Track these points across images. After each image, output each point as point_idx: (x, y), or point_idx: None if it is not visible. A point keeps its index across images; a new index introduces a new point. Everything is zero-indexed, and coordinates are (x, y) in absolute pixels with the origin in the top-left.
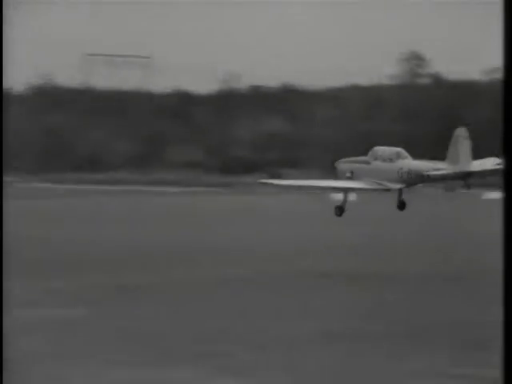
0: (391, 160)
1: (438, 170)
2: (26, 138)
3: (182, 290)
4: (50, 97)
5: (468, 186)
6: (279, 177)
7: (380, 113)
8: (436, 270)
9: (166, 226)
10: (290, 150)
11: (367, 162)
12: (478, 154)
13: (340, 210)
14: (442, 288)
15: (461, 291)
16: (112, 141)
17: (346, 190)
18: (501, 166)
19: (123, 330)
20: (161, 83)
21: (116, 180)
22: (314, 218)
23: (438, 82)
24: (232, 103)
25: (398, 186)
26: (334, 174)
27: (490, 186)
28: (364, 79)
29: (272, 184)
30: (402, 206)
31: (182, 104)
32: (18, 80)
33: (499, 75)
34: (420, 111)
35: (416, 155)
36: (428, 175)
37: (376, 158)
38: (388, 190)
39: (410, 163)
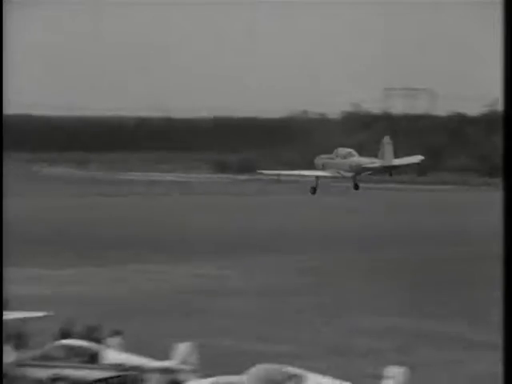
0: (345, 157)
1: (373, 163)
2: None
3: None
4: (358, 120)
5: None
6: None
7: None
8: None
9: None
10: None
11: (332, 158)
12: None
13: (314, 189)
14: None
15: None
16: (403, 151)
17: (317, 177)
18: (419, 160)
19: None
20: (440, 107)
21: (403, 181)
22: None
23: None
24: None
25: (349, 174)
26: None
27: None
28: None
29: None
30: (356, 186)
31: (457, 123)
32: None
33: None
34: None
35: (365, 155)
36: (366, 167)
37: (337, 156)
38: (344, 177)
39: (356, 159)
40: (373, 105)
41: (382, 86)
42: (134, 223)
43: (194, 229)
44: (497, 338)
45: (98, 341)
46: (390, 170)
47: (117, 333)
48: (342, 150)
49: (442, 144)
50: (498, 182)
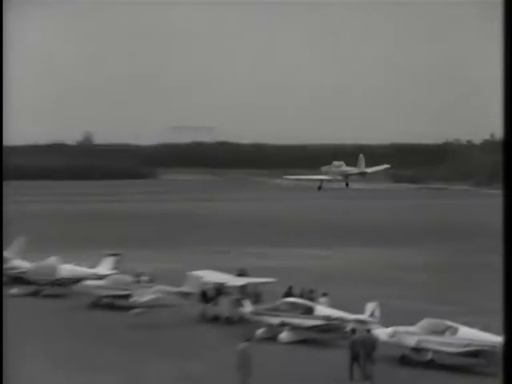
0: (338, 167)
1: (353, 171)
2: None
3: None
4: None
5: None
6: None
7: None
8: None
9: None
10: None
11: (331, 168)
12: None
13: (319, 187)
14: None
15: None
16: None
17: (322, 180)
18: (384, 168)
19: None
20: None
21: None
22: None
23: None
24: None
25: (340, 177)
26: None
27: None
28: None
29: None
30: (346, 185)
31: None
32: None
33: None
34: None
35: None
36: (349, 173)
37: (334, 166)
38: (338, 179)
39: (344, 168)
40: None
41: None
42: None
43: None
44: None
45: (311, 300)
46: (363, 174)
47: (324, 294)
48: (336, 163)
49: None
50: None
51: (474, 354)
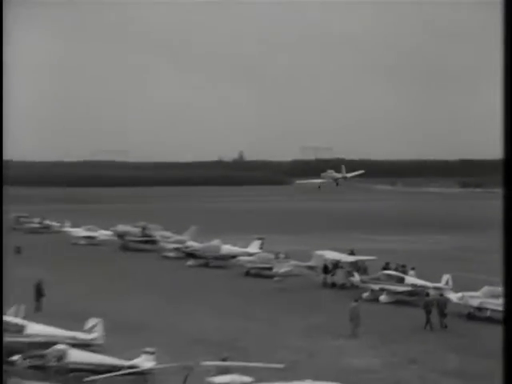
0: (330, 173)
1: (339, 175)
2: None
3: None
4: None
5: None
6: None
7: None
8: None
9: None
10: None
11: (326, 174)
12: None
13: (319, 187)
14: None
15: None
16: None
17: (320, 182)
18: (360, 173)
19: None
20: None
21: None
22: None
23: None
24: None
25: (331, 180)
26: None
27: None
28: None
29: None
30: (337, 184)
31: None
32: None
33: None
34: None
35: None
36: (337, 177)
37: (328, 173)
38: (331, 182)
39: (333, 174)
40: None
41: None
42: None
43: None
44: None
45: (403, 272)
46: (344, 178)
47: (412, 268)
48: (329, 171)
49: None
50: None
51: None
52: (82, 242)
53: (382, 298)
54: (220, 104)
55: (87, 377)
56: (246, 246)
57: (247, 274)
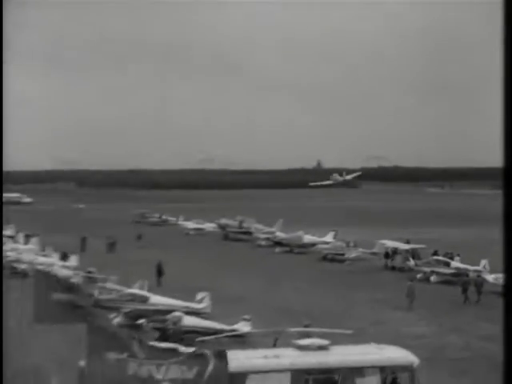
0: (335, 177)
1: (340, 179)
2: None
3: None
4: None
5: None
6: None
7: None
8: None
9: None
10: None
11: (333, 177)
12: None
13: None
14: None
15: None
16: None
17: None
18: (358, 174)
19: None
20: None
21: None
22: None
23: None
24: None
25: (335, 182)
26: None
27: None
28: None
29: None
30: (338, 185)
31: None
32: None
33: None
34: None
35: None
36: (339, 180)
37: (334, 176)
38: (334, 183)
39: (336, 177)
40: None
41: None
42: None
43: None
44: None
45: (450, 258)
46: (344, 180)
47: (458, 255)
48: (334, 174)
49: None
50: None
51: None
52: (192, 232)
53: (432, 278)
54: (301, 123)
55: (197, 338)
56: (323, 236)
57: (324, 258)
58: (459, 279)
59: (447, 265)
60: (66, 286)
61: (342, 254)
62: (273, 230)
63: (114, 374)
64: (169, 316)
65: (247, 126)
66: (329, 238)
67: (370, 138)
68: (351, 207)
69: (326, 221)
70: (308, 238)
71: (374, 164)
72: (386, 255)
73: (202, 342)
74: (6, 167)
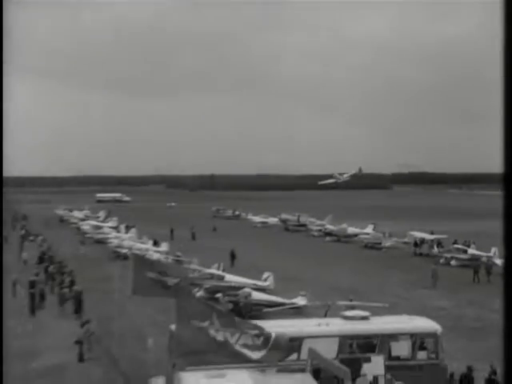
0: (337, 176)
1: (341, 177)
2: None
3: None
4: None
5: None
6: None
7: None
8: None
9: None
10: None
11: (335, 176)
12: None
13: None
14: None
15: None
16: None
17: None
18: (352, 174)
19: None
20: None
21: None
22: None
23: None
24: None
25: (339, 180)
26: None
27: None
28: None
29: None
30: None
31: None
32: None
33: None
34: None
35: None
36: (340, 179)
37: (336, 175)
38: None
39: (339, 175)
40: None
41: None
42: None
43: None
44: None
45: (467, 246)
46: (344, 179)
47: (474, 243)
48: (335, 174)
49: None
50: None
51: None
52: (259, 225)
53: (452, 262)
54: (344, 134)
55: (264, 309)
56: (364, 228)
57: (365, 246)
58: (473, 263)
59: (465, 252)
60: (159, 266)
61: (380, 243)
62: (323, 223)
63: (197, 337)
64: (240, 291)
65: (296, 138)
66: (369, 229)
67: (402, 148)
68: (387, 205)
69: (367, 216)
70: (352, 230)
71: (405, 170)
72: (415, 244)
73: (267, 313)
74: (111, 172)
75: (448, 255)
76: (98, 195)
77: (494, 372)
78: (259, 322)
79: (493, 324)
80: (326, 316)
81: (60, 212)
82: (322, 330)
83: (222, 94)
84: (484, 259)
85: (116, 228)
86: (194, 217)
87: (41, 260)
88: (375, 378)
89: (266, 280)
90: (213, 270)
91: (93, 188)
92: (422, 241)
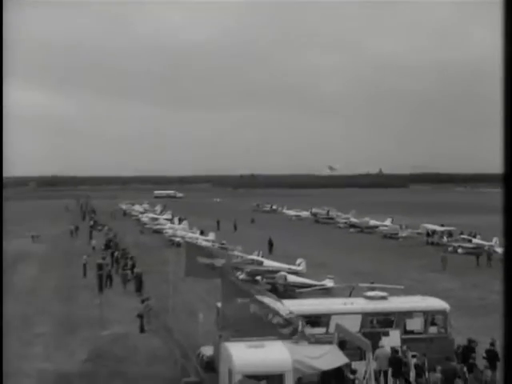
0: (330, 167)
1: (333, 169)
2: None
3: None
4: None
5: None
6: None
7: None
8: None
9: None
10: None
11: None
12: None
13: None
14: None
15: None
16: None
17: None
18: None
19: None
20: None
21: None
22: None
23: None
24: None
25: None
26: None
27: None
28: None
29: None
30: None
31: None
32: None
33: None
34: None
35: None
36: (332, 169)
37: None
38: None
39: (332, 168)
40: None
41: None
42: None
43: None
44: None
45: (473, 236)
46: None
47: (479, 234)
48: (329, 165)
49: None
50: None
51: None
52: (293, 218)
53: (459, 250)
54: (366, 139)
55: (297, 289)
56: (383, 221)
57: (384, 236)
58: (477, 251)
59: (470, 241)
60: (207, 252)
61: (397, 234)
62: (348, 216)
63: (240, 312)
64: (277, 275)
65: (323, 142)
66: (387, 222)
67: (416, 152)
68: (403, 201)
69: (386, 210)
70: (373, 222)
71: (419, 171)
72: (427, 234)
73: (300, 293)
74: (163, 173)
75: (455, 244)
76: (156, 192)
77: (492, 344)
78: (293, 301)
79: (494, 304)
80: (350, 296)
81: (123, 206)
82: (347, 308)
83: (260, 107)
84: (486, 248)
85: (171, 220)
86: (236, 211)
87: (107, 246)
88: (392, 350)
89: (299, 265)
90: (253, 256)
91: (151, 186)
92: (433, 232)
